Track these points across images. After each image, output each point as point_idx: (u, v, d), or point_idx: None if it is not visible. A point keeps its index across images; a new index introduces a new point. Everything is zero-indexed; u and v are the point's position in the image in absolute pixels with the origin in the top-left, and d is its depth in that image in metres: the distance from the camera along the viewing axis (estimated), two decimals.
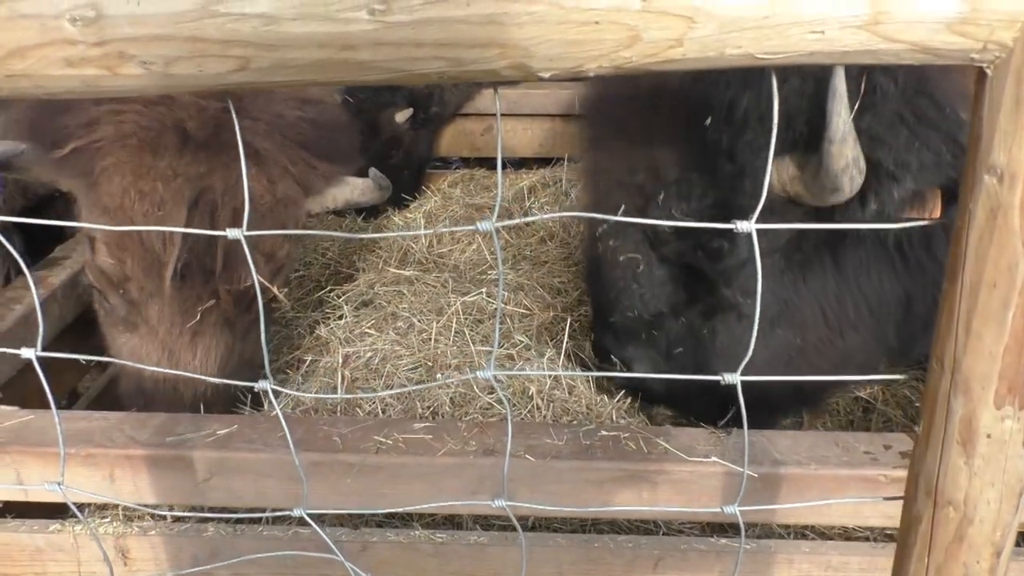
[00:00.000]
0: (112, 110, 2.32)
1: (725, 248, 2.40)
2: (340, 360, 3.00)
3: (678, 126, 2.37)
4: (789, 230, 2.32)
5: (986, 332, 1.05)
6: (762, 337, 2.51)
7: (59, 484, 1.54)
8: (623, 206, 2.48)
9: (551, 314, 3.29)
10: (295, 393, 2.00)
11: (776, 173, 2.16)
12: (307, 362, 3.24)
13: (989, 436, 1.12)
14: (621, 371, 2.97)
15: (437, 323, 3.24)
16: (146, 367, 1.78)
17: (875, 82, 2.16)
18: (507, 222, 1.18)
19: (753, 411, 2.79)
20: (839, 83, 1.87)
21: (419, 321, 3.30)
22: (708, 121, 2.25)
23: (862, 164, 2.00)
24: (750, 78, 2.16)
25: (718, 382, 2.63)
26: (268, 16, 0.97)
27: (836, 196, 2.07)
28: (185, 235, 2.30)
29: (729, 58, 0.97)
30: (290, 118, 2.48)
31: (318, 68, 1.01)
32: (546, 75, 1.01)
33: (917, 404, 3.32)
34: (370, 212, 4.50)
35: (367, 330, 3.34)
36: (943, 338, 1.10)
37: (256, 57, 1.00)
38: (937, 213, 2.20)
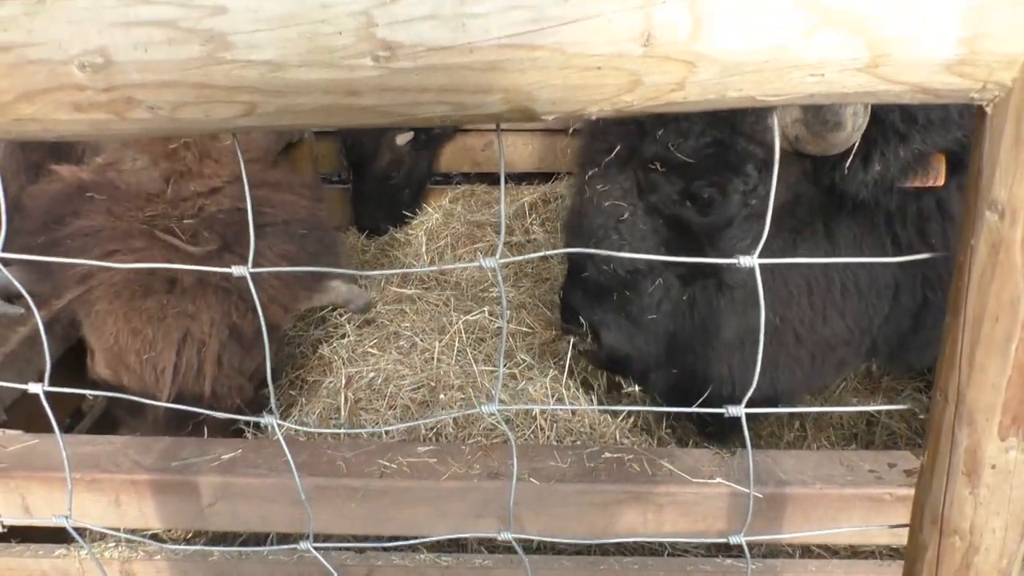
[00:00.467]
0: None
1: (716, 200, 2.31)
2: (343, 381, 3.01)
3: None
4: (785, 188, 2.23)
5: (989, 364, 1.06)
6: (741, 312, 2.44)
7: (66, 517, 1.54)
8: (617, 146, 2.37)
9: (553, 332, 3.29)
10: (302, 428, 2.01)
11: (778, 116, 2.06)
12: (310, 382, 3.25)
13: (994, 467, 1.12)
14: (619, 397, 2.96)
15: (439, 342, 3.25)
16: (148, 401, 1.87)
17: None
18: (510, 259, 1.19)
19: (724, 420, 2.74)
20: None
21: (421, 340, 3.31)
22: None
23: None
24: None
25: (692, 362, 2.56)
26: (274, 63, 0.98)
27: (837, 133, 1.96)
28: (175, 372, 2.50)
29: (730, 100, 0.98)
30: (273, 256, 2.60)
31: (323, 113, 1.02)
32: (549, 118, 1.02)
33: (921, 416, 3.33)
34: (373, 231, 4.52)
35: (370, 349, 3.35)
36: (947, 370, 1.11)
37: (262, 103, 1.01)
38: (941, 181, 2.13)
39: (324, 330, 3.60)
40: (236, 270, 1.25)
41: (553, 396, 2.84)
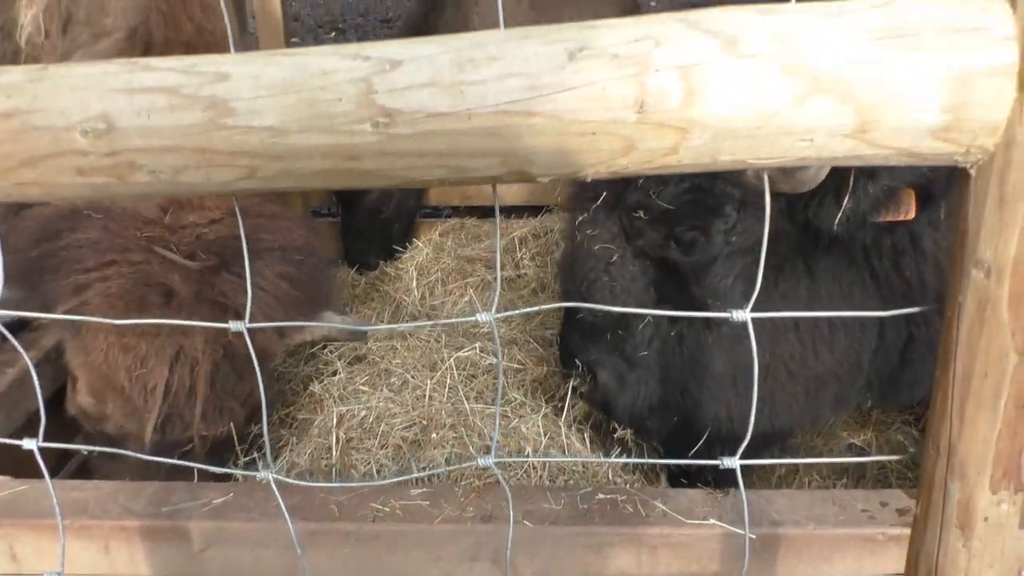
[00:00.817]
0: (100, 276, 2.41)
1: (699, 241, 2.39)
2: (335, 420, 3.00)
3: None
4: (761, 231, 2.29)
5: (980, 419, 1.08)
6: (729, 350, 2.49)
7: (59, 574, 1.53)
8: (604, 193, 2.46)
9: (544, 368, 3.30)
10: (296, 482, 2.00)
11: None
12: (300, 420, 3.23)
13: (986, 519, 1.14)
14: (611, 430, 2.97)
15: (431, 379, 3.24)
16: (141, 456, 1.83)
17: None
18: (505, 313, 1.20)
19: (724, 449, 2.79)
20: None
21: (413, 377, 3.31)
22: None
23: None
24: None
25: (686, 399, 2.60)
26: (275, 129, 1.00)
27: (804, 171, 2.02)
28: (166, 391, 2.41)
29: (723, 163, 1.01)
30: (271, 275, 2.57)
31: (323, 176, 1.04)
32: (544, 179, 1.04)
33: (912, 450, 3.34)
34: (363, 265, 4.53)
35: (361, 387, 3.34)
36: (937, 423, 1.13)
37: (263, 166, 1.03)
38: (912, 215, 2.19)
39: (314, 366, 3.59)
40: (233, 325, 1.26)
41: (546, 435, 2.84)
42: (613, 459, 2.14)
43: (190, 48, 2.46)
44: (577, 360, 2.70)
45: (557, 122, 0.97)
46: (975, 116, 0.94)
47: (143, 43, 2.44)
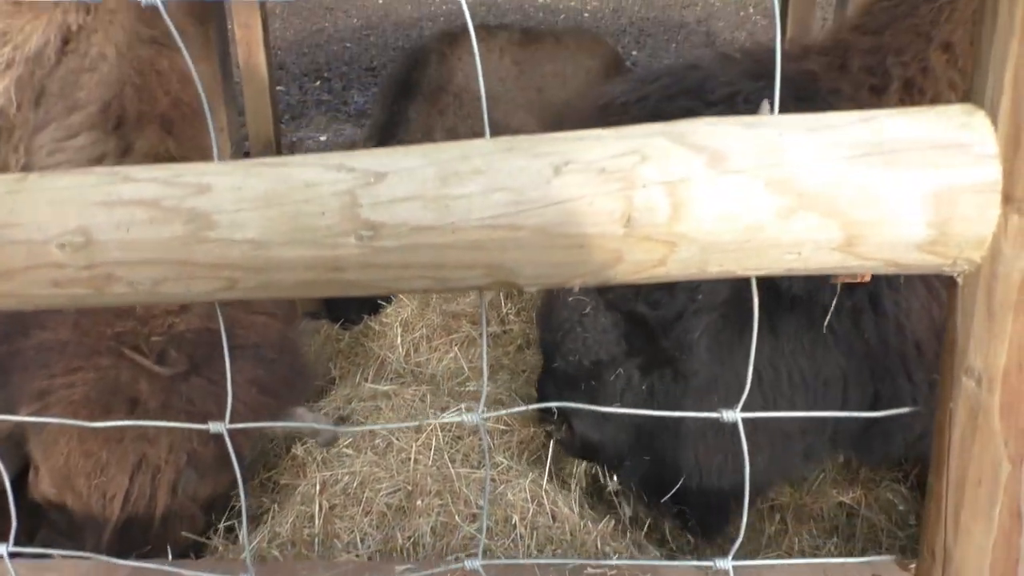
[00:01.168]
0: (65, 383, 2.38)
1: (665, 298, 2.44)
2: (318, 488, 2.94)
3: None
4: (727, 286, 2.36)
5: (975, 527, 1.06)
6: (697, 400, 2.52)
7: None
8: None
9: (532, 429, 3.26)
10: (277, 558, 1.95)
11: None
12: (282, 485, 3.17)
13: None
14: (600, 486, 2.95)
15: (416, 442, 3.19)
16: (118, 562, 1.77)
17: None
18: (494, 413, 1.18)
19: (702, 511, 2.79)
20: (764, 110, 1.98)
21: (397, 439, 3.26)
22: None
23: None
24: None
25: (660, 450, 2.65)
26: (257, 242, 0.99)
27: None
28: (125, 500, 2.37)
29: (711, 273, 1.00)
30: (242, 380, 2.54)
31: (305, 287, 1.02)
32: (532, 289, 1.02)
33: (901, 508, 3.32)
34: (347, 319, 4.49)
35: (344, 449, 3.27)
36: (932, 529, 1.11)
37: (244, 278, 1.01)
38: (868, 277, 2.21)
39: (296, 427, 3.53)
40: (213, 427, 1.23)
41: (533, 501, 2.79)
42: (600, 527, 2.13)
43: (165, 121, 2.45)
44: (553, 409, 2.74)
45: (543, 236, 0.96)
46: (961, 231, 0.94)
47: (116, 117, 2.43)
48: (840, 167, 0.92)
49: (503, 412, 1.15)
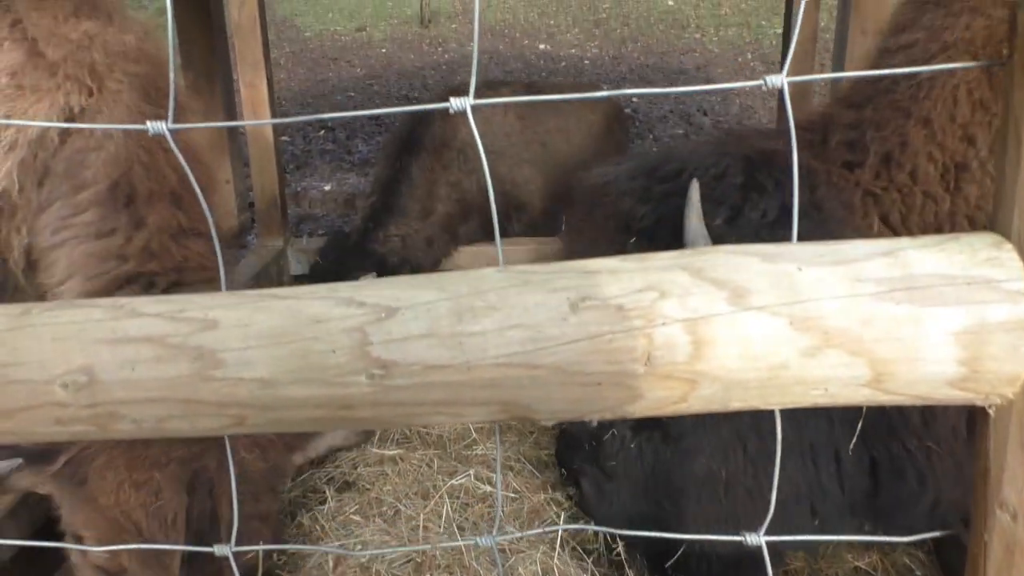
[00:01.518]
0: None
1: None
2: (332, 564, 2.88)
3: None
4: None
5: None
6: (684, 464, 2.51)
7: None
8: None
9: (542, 496, 3.20)
10: None
11: None
12: (289, 554, 3.11)
13: None
14: (612, 556, 2.90)
15: (424, 509, 3.14)
16: None
17: (748, 196, 2.29)
18: (505, 536, 1.14)
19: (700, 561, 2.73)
20: (693, 193, 2.13)
21: (405, 507, 3.20)
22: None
23: None
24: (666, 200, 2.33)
25: (657, 512, 2.64)
26: (266, 380, 0.96)
27: None
28: (188, 519, 2.23)
29: (735, 407, 0.97)
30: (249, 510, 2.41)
31: (314, 423, 0.99)
32: (549, 423, 0.99)
33: (918, 574, 3.25)
34: None
35: (352, 516, 3.22)
36: None
37: (252, 416, 0.98)
38: None
39: (301, 492, 3.47)
40: (218, 549, 1.19)
41: (545, 575, 2.73)
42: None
43: (175, 198, 2.43)
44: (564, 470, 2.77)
45: (561, 374, 0.93)
46: (993, 368, 0.91)
47: (125, 196, 2.40)
48: (866, 305, 0.90)
49: (516, 535, 1.11)
